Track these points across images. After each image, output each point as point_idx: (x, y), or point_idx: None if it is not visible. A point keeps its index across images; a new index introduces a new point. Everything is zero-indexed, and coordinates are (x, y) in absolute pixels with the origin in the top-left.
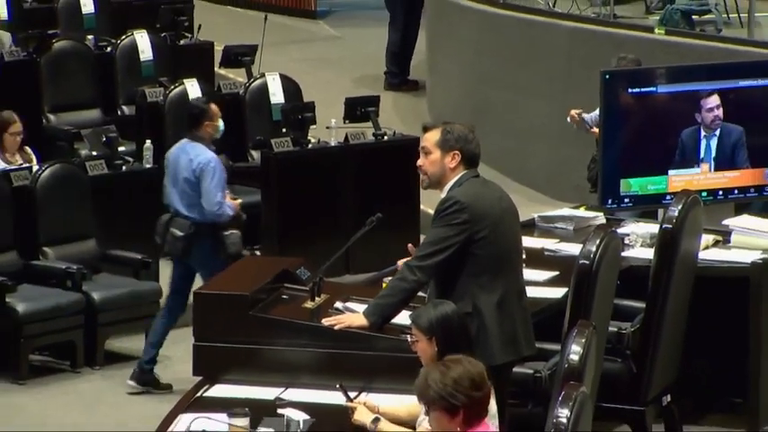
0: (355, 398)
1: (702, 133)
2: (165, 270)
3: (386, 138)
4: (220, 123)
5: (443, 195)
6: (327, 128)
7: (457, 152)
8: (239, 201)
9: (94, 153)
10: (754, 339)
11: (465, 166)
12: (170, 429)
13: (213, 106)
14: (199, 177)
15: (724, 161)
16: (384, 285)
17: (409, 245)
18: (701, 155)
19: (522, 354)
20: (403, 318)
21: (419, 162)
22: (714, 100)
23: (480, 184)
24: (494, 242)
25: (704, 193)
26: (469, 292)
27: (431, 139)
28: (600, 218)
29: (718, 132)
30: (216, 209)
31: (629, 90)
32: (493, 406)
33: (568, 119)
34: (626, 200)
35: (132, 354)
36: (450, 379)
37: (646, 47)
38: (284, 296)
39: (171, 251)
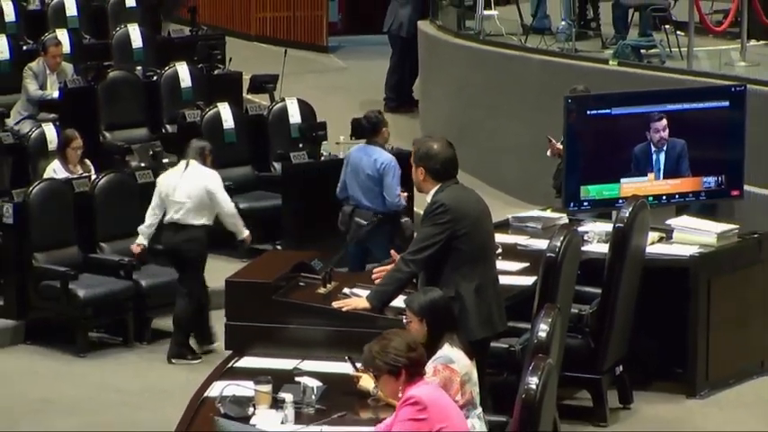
0: (360, 368)
1: (653, 149)
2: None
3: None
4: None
5: (429, 199)
6: (337, 143)
7: (421, 168)
8: (406, 194)
9: (143, 164)
10: (693, 320)
11: (432, 178)
12: (205, 394)
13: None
14: (382, 175)
15: (671, 170)
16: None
17: (392, 250)
18: (652, 165)
19: (497, 330)
20: (399, 302)
21: (415, 175)
22: (662, 123)
23: (460, 189)
24: (472, 238)
25: (650, 198)
26: (453, 280)
27: (413, 153)
28: (563, 218)
29: (665, 147)
30: (397, 200)
31: (588, 112)
32: (474, 374)
33: (549, 152)
34: (585, 203)
35: None
36: (391, 348)
37: (602, 76)
38: (301, 283)
39: (355, 236)
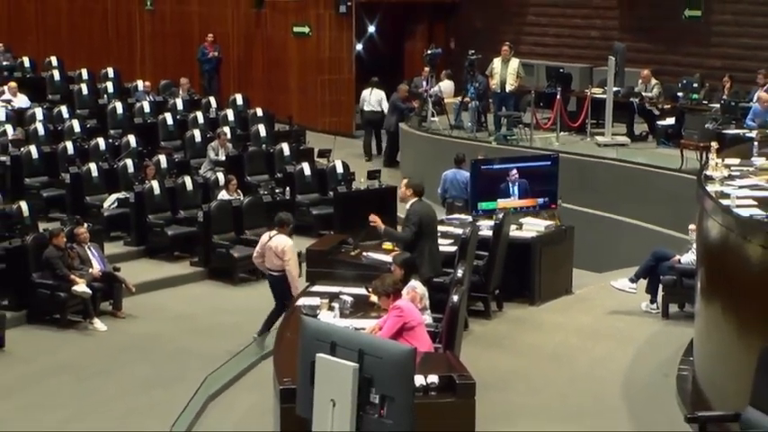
0: (370, 291)
1: (511, 184)
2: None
3: (384, 186)
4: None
5: (408, 207)
6: (360, 182)
7: (411, 189)
8: None
9: (265, 192)
10: (533, 268)
11: (414, 195)
12: (296, 304)
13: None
14: (467, 183)
15: (521, 195)
16: (385, 246)
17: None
18: (511, 193)
19: (438, 273)
20: (388, 259)
21: (399, 193)
22: (515, 172)
23: (424, 204)
24: (428, 228)
25: (512, 209)
26: (419, 247)
27: (403, 184)
28: (470, 218)
29: (517, 184)
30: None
31: (483, 167)
32: (426, 294)
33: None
34: (480, 211)
35: None
36: (386, 282)
37: (488, 150)
38: (342, 250)
39: (461, 211)
